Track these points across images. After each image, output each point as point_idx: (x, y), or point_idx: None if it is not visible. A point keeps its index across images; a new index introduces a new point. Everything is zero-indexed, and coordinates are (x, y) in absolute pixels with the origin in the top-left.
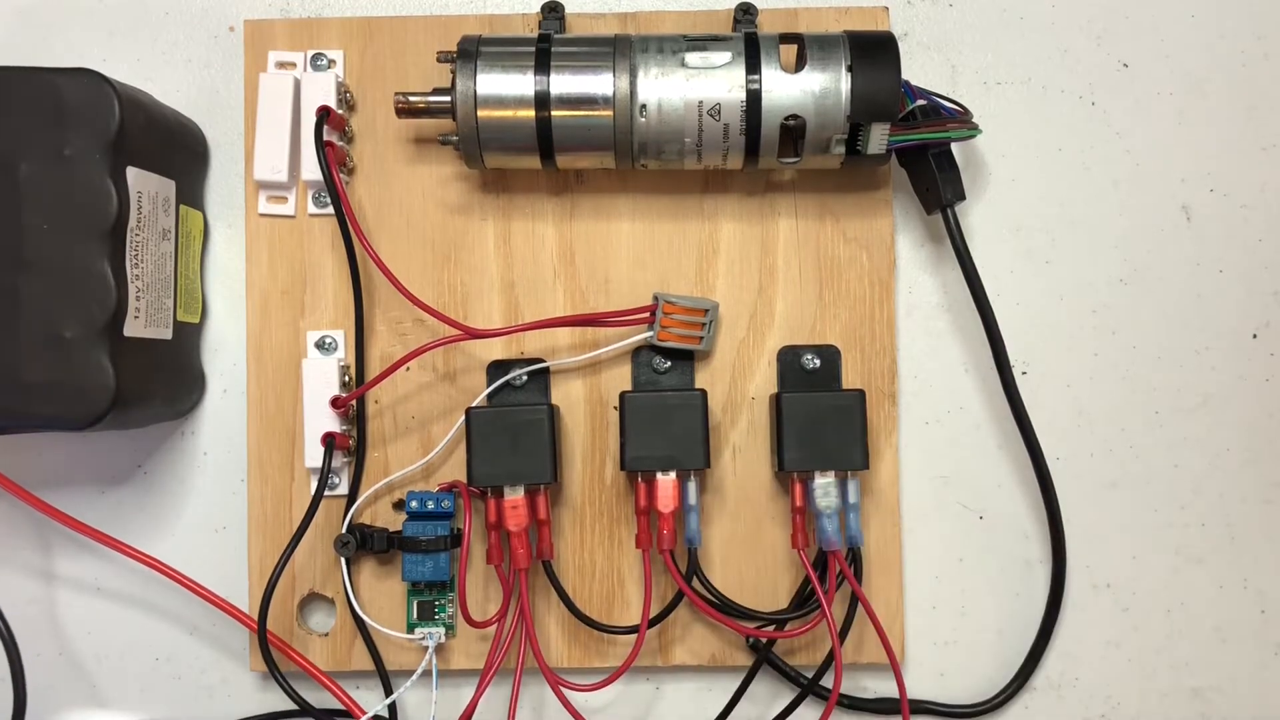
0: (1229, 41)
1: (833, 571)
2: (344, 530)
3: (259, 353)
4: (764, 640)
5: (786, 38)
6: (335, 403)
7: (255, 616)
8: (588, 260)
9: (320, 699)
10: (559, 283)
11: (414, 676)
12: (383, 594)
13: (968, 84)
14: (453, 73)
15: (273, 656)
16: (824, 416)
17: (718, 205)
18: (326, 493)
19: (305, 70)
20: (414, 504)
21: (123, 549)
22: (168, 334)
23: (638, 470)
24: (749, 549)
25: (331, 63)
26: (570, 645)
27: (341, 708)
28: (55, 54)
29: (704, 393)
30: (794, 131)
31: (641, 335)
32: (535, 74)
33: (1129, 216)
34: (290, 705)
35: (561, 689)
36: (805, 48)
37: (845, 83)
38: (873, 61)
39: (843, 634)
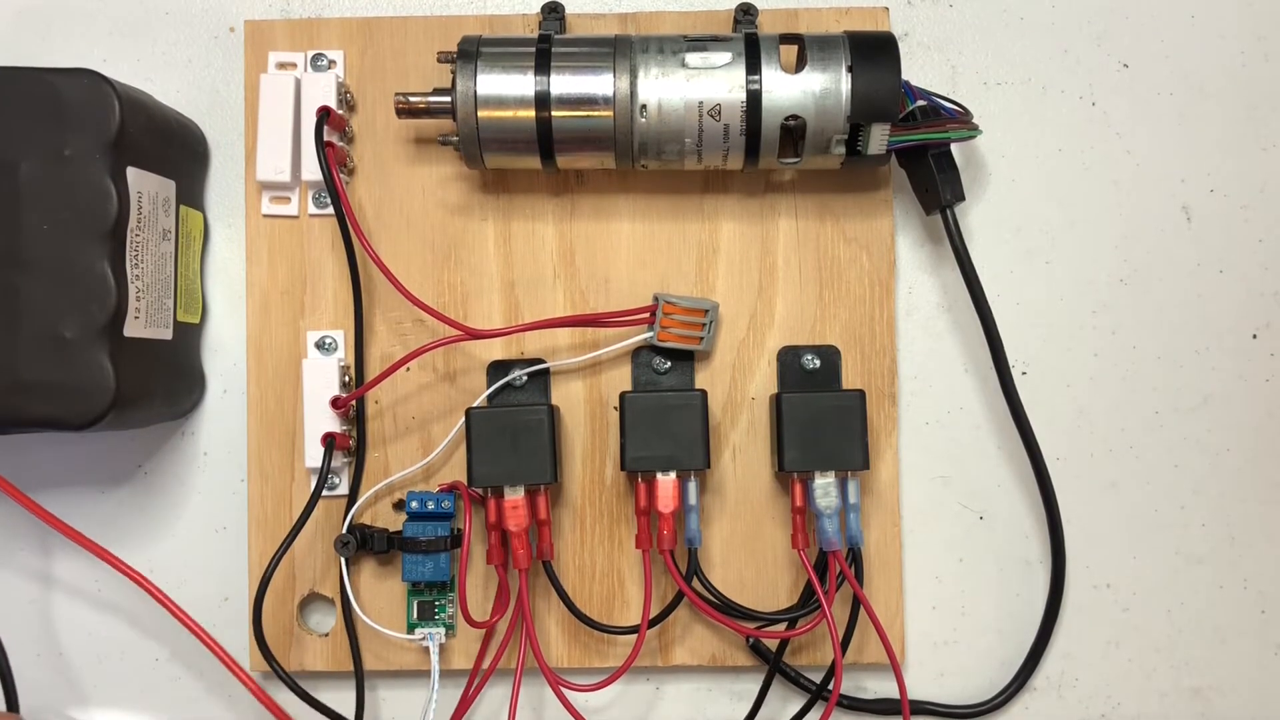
0: (1229, 41)
1: (833, 572)
2: (344, 530)
3: (259, 353)
4: (765, 644)
5: (787, 38)
6: (335, 403)
7: (253, 616)
8: (588, 260)
9: (323, 698)
10: (559, 283)
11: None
12: (383, 594)
13: (968, 84)
14: (453, 73)
15: (273, 654)
16: (824, 416)
17: (718, 205)
18: (327, 493)
19: (305, 70)
20: (414, 504)
21: (111, 560)
22: (168, 334)
23: (638, 470)
24: (749, 549)
25: (332, 63)
26: (570, 645)
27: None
28: (55, 54)
29: (704, 393)
30: (794, 132)
31: (641, 335)
32: (535, 74)
33: (1129, 216)
34: (293, 704)
35: (561, 689)
36: (805, 48)
37: (845, 83)
38: (873, 62)
39: (844, 635)
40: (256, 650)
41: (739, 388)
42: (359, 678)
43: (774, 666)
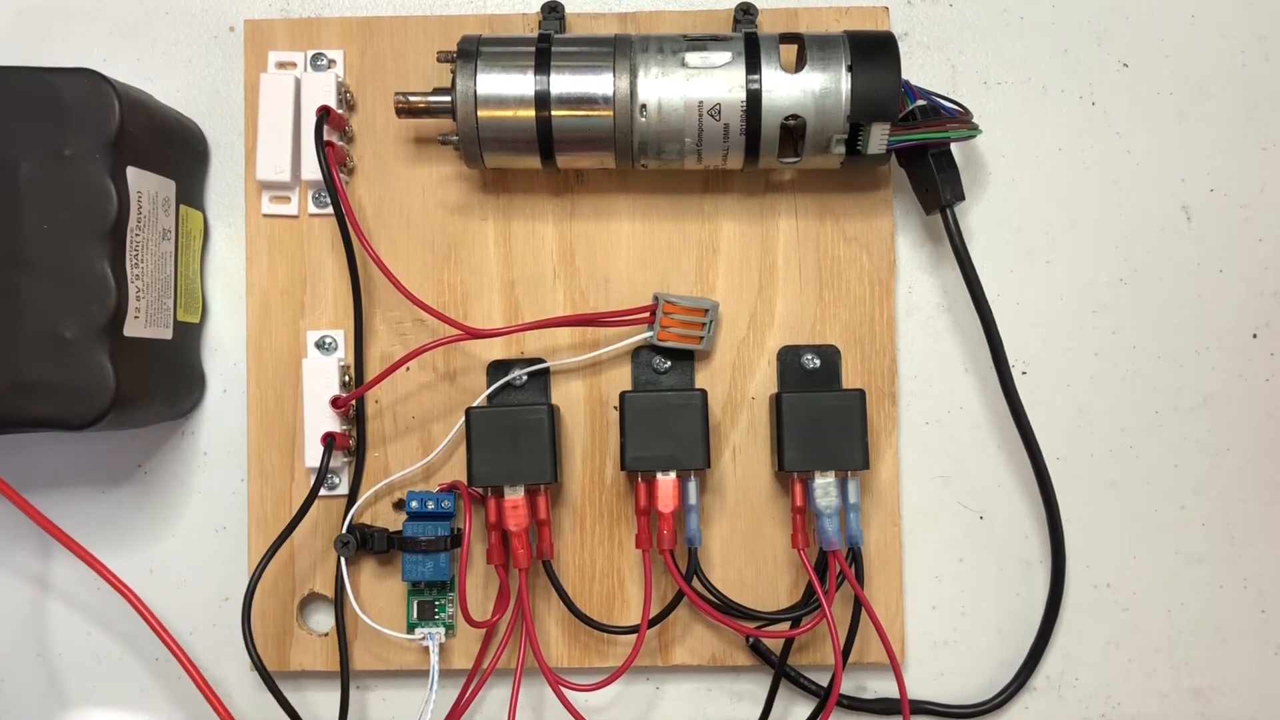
0: (1229, 41)
1: (833, 572)
2: (344, 530)
3: (259, 353)
4: (765, 644)
5: (786, 38)
6: (335, 403)
7: (244, 615)
8: (588, 260)
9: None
10: (559, 283)
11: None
12: (383, 594)
13: (968, 84)
14: (453, 73)
15: (261, 658)
16: (824, 416)
17: (718, 205)
18: (326, 492)
19: (305, 70)
20: (414, 504)
21: (98, 568)
22: (168, 334)
23: (638, 470)
24: (749, 549)
25: (331, 63)
26: (570, 645)
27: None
28: (55, 54)
29: (704, 393)
30: (794, 131)
31: (641, 335)
32: (535, 74)
33: (1129, 216)
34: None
35: (561, 689)
36: (805, 48)
37: (845, 83)
38: (873, 61)
39: (846, 635)
40: (255, 650)
41: (739, 387)
42: (344, 678)
43: (779, 669)
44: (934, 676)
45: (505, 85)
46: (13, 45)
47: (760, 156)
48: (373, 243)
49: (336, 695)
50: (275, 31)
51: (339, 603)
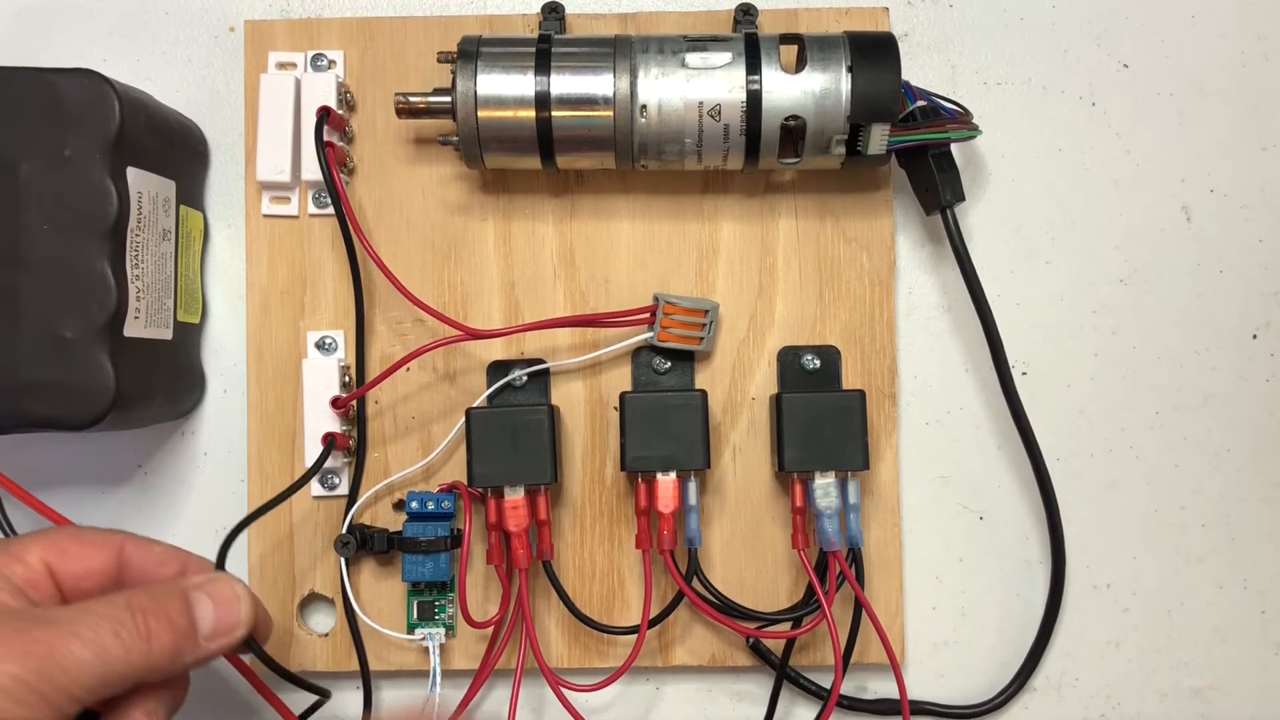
0: (1229, 41)
1: (833, 572)
2: (344, 530)
3: (259, 353)
4: (765, 644)
5: (787, 38)
6: (335, 403)
7: None
8: (588, 260)
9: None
10: (559, 283)
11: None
12: (383, 594)
13: (968, 84)
14: (453, 73)
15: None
16: (824, 417)
17: (718, 205)
18: (327, 493)
19: (305, 71)
20: (414, 504)
21: None
22: (168, 334)
23: (638, 471)
24: (749, 549)
25: (332, 63)
26: (570, 645)
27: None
28: (55, 54)
29: (704, 393)
30: (794, 132)
31: (642, 336)
32: (535, 74)
33: (1129, 216)
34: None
35: (561, 689)
36: (805, 48)
37: (845, 83)
38: (873, 62)
39: (846, 636)
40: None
41: (739, 388)
42: (365, 674)
43: (780, 670)
44: (934, 677)
45: (505, 86)
46: (13, 45)
47: (760, 157)
48: (373, 243)
49: (337, 695)
50: (275, 32)
51: (345, 603)
